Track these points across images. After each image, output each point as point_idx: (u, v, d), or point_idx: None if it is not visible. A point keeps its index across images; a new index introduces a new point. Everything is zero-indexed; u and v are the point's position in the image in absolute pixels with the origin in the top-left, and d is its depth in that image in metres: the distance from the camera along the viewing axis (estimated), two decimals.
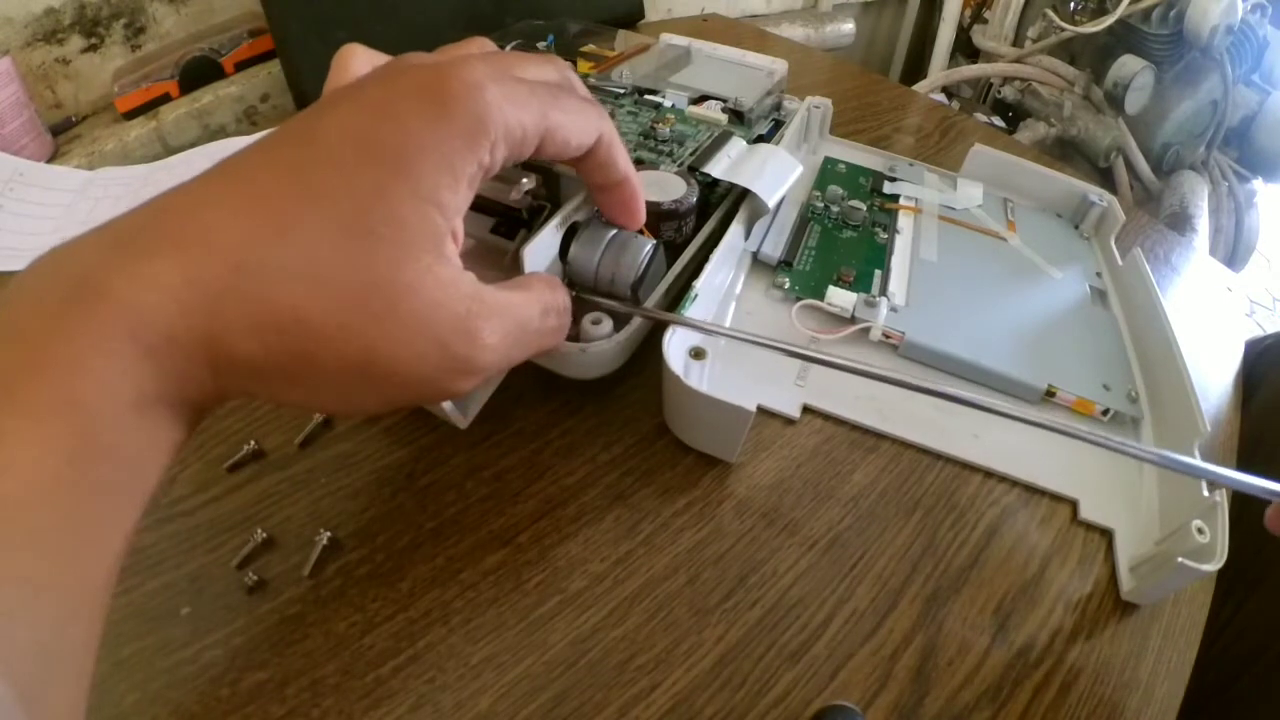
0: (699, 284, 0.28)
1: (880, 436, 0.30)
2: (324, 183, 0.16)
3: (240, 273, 0.15)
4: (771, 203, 0.33)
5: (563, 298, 0.21)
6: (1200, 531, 0.23)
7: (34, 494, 0.12)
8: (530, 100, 0.18)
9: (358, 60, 0.21)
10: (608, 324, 0.26)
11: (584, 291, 0.25)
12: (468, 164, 0.17)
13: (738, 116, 0.41)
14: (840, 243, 0.38)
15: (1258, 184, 1.13)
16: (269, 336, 0.15)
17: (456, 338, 0.17)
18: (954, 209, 0.42)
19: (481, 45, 0.22)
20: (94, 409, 0.13)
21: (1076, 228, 0.43)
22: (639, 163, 0.35)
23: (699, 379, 0.26)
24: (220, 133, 0.53)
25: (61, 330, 0.13)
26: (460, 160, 0.17)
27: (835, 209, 0.40)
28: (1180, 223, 0.98)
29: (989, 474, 0.29)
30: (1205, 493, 0.25)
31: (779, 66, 0.46)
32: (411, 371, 0.17)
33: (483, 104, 0.17)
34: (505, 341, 0.18)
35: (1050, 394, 0.31)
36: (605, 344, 0.26)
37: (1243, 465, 0.31)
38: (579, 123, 0.20)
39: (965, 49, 1.33)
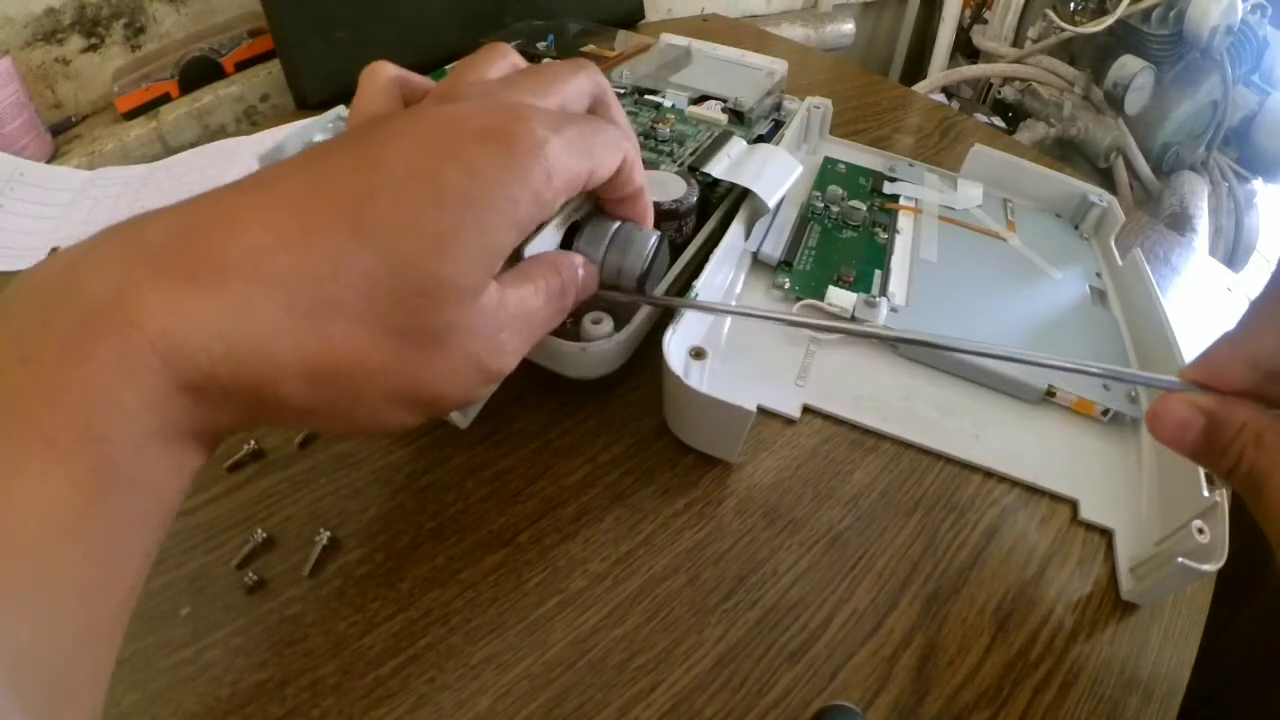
0: (699, 284, 0.28)
1: (880, 436, 0.30)
2: (386, 220, 0.15)
3: (293, 313, 0.14)
4: (771, 203, 0.33)
5: (565, 269, 0.21)
6: (1200, 531, 0.23)
7: (52, 531, 0.12)
8: (583, 146, 0.18)
9: (388, 78, 0.21)
10: (608, 324, 0.26)
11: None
12: (534, 218, 0.17)
13: (738, 116, 0.41)
14: (840, 243, 0.38)
15: (1258, 184, 1.13)
16: (320, 380, 0.15)
17: (490, 355, 0.17)
18: (954, 209, 0.42)
19: (505, 54, 0.21)
20: (117, 442, 0.12)
21: (1076, 228, 0.43)
22: None
23: (699, 379, 0.26)
24: (220, 133, 0.53)
25: (83, 354, 0.12)
26: (527, 214, 0.17)
27: (835, 209, 0.40)
28: (1180, 223, 0.98)
29: (989, 474, 0.29)
30: (1206, 492, 0.25)
31: (779, 66, 0.46)
32: (449, 393, 0.17)
33: (549, 159, 0.17)
34: (524, 343, 0.19)
35: (1050, 394, 0.31)
36: (605, 344, 0.26)
37: None
38: (613, 153, 0.20)
39: (965, 49, 1.33)
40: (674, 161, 0.36)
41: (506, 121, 0.17)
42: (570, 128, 0.18)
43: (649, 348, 0.28)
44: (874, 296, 0.33)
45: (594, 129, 0.19)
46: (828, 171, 0.44)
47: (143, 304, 0.13)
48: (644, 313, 0.28)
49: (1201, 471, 0.25)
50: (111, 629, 0.13)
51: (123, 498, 0.13)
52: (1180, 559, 0.23)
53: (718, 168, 0.34)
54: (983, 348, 0.22)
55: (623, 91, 0.42)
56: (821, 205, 0.40)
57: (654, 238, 0.24)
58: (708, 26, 0.73)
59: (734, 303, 0.34)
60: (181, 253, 0.14)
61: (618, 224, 0.25)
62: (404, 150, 0.16)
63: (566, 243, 0.25)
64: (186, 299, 0.13)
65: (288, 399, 0.14)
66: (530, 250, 0.23)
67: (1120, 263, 0.39)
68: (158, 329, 0.13)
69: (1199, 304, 0.44)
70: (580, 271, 0.22)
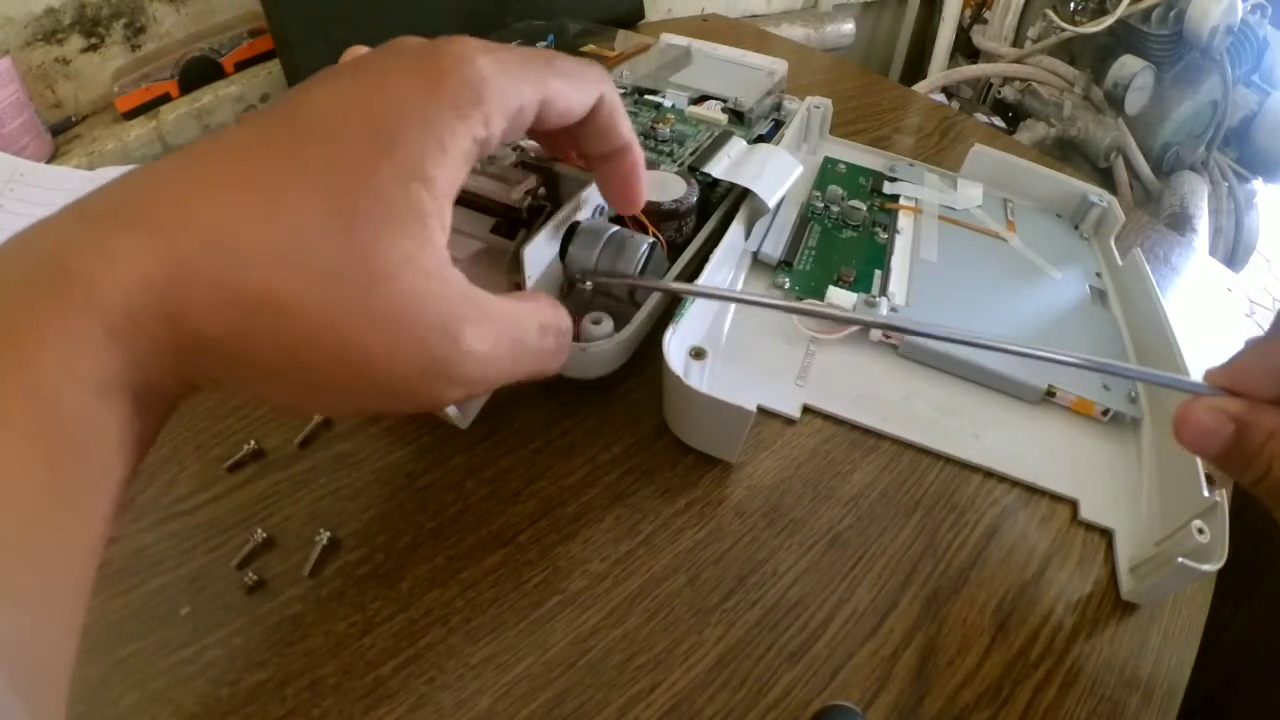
0: (699, 284, 0.28)
1: (880, 436, 0.30)
2: (311, 158, 0.15)
3: (212, 250, 0.14)
4: (771, 203, 0.33)
5: (564, 319, 0.20)
6: (1200, 531, 0.23)
7: (6, 499, 0.11)
8: (525, 69, 0.17)
9: None
10: (608, 324, 0.26)
11: (590, 276, 0.24)
12: (458, 135, 0.16)
13: (738, 116, 0.41)
14: (840, 243, 0.38)
15: (1258, 184, 1.13)
16: (236, 318, 0.14)
17: (438, 337, 0.15)
18: (954, 209, 0.42)
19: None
20: (56, 396, 0.12)
21: (1076, 228, 0.43)
22: None
23: (699, 379, 0.26)
24: None
25: (25, 309, 0.12)
26: (449, 131, 0.16)
27: (835, 209, 0.40)
28: (1180, 223, 0.98)
29: (989, 474, 0.29)
30: (1206, 492, 0.25)
31: (779, 66, 0.46)
32: (388, 370, 0.15)
33: (474, 73, 0.16)
34: (495, 352, 0.17)
35: (1050, 394, 0.31)
36: (605, 344, 0.26)
37: None
38: (579, 85, 0.19)
39: (965, 49, 1.33)
40: (674, 161, 0.36)
41: (435, 49, 0.16)
42: (512, 53, 0.17)
43: (649, 348, 0.28)
44: (874, 296, 0.33)
45: (548, 59, 0.18)
46: (828, 171, 0.44)
47: (76, 256, 0.13)
48: (643, 313, 0.28)
49: (1201, 472, 0.25)
50: (68, 611, 0.13)
51: (67, 461, 0.13)
52: (1180, 559, 0.23)
53: (718, 168, 0.34)
54: (1003, 343, 0.21)
55: (623, 91, 0.42)
56: (821, 205, 0.40)
57: (646, 244, 0.24)
58: (708, 26, 0.73)
59: (733, 303, 0.34)
60: (118, 209, 0.14)
61: (613, 229, 0.25)
62: (331, 89, 0.16)
63: (564, 245, 0.25)
64: (113, 245, 0.13)
65: (206, 339, 0.14)
66: (529, 250, 0.23)
67: (1120, 263, 0.39)
68: (88, 277, 0.13)
69: (1199, 304, 0.44)
70: (569, 326, 0.21)
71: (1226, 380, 0.17)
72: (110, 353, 0.13)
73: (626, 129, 0.21)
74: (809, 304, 0.33)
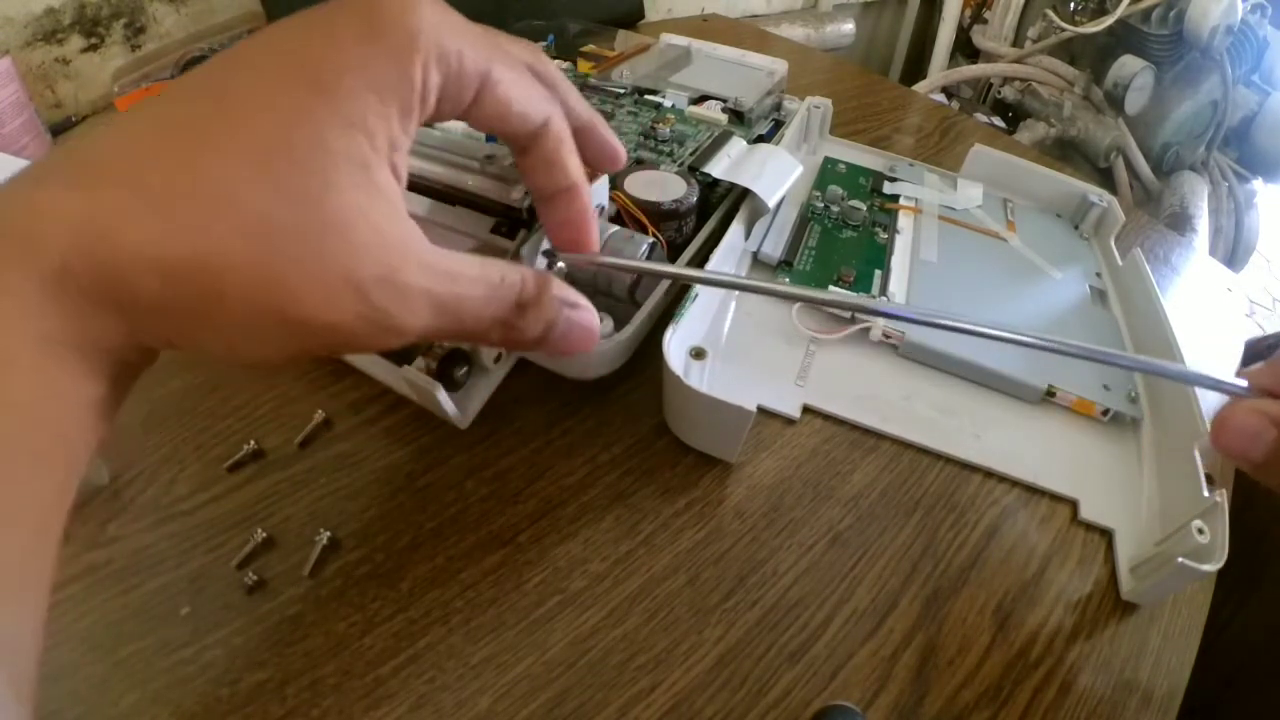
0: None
1: (880, 436, 0.30)
2: (245, 102, 0.14)
3: (141, 196, 0.13)
4: (771, 203, 0.33)
5: (528, 286, 0.18)
6: (1200, 532, 0.23)
7: None
8: (472, 35, 0.17)
9: None
10: (608, 324, 0.26)
11: (587, 263, 0.24)
12: (397, 85, 0.15)
13: (738, 116, 0.41)
14: (840, 243, 0.38)
15: (1258, 184, 1.13)
16: (168, 267, 0.13)
17: (378, 288, 0.15)
18: (954, 209, 0.42)
19: None
20: (5, 357, 0.12)
21: (1076, 228, 0.43)
22: (639, 163, 0.35)
23: (699, 379, 0.26)
24: None
25: None
26: (387, 80, 0.15)
27: (835, 209, 0.40)
28: (1180, 223, 0.98)
29: (989, 474, 0.29)
30: (1206, 492, 0.25)
31: (779, 66, 0.46)
32: (326, 319, 0.15)
33: (414, 20, 0.16)
34: (431, 305, 0.16)
35: (1050, 394, 0.31)
36: (605, 344, 0.26)
37: None
38: (526, 93, 0.18)
39: (965, 49, 1.33)
40: (674, 161, 0.36)
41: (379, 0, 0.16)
42: (458, 15, 0.17)
43: (649, 348, 0.28)
44: (874, 296, 0.33)
45: (505, 50, 0.18)
46: (828, 171, 0.44)
47: (12, 211, 0.13)
48: (644, 313, 0.28)
49: (1202, 472, 0.25)
50: (28, 598, 0.13)
51: (15, 426, 0.13)
52: (1180, 559, 0.23)
53: (718, 168, 0.34)
54: (1045, 339, 0.18)
55: (623, 91, 0.42)
56: (821, 205, 0.40)
57: (646, 244, 0.24)
58: (708, 26, 0.73)
59: (733, 301, 0.34)
60: (59, 165, 0.14)
61: (613, 229, 0.25)
62: (271, 35, 0.16)
63: None
64: (45, 197, 0.13)
65: (140, 290, 0.13)
66: (529, 250, 0.23)
67: (1120, 263, 0.39)
68: (20, 230, 0.13)
69: (1199, 304, 0.44)
70: (553, 302, 0.19)
71: (1270, 380, 0.16)
72: (48, 307, 0.13)
73: (575, 167, 0.19)
74: (809, 290, 0.33)
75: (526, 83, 0.18)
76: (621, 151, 0.22)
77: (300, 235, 0.14)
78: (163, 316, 0.14)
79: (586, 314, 0.20)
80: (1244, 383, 0.16)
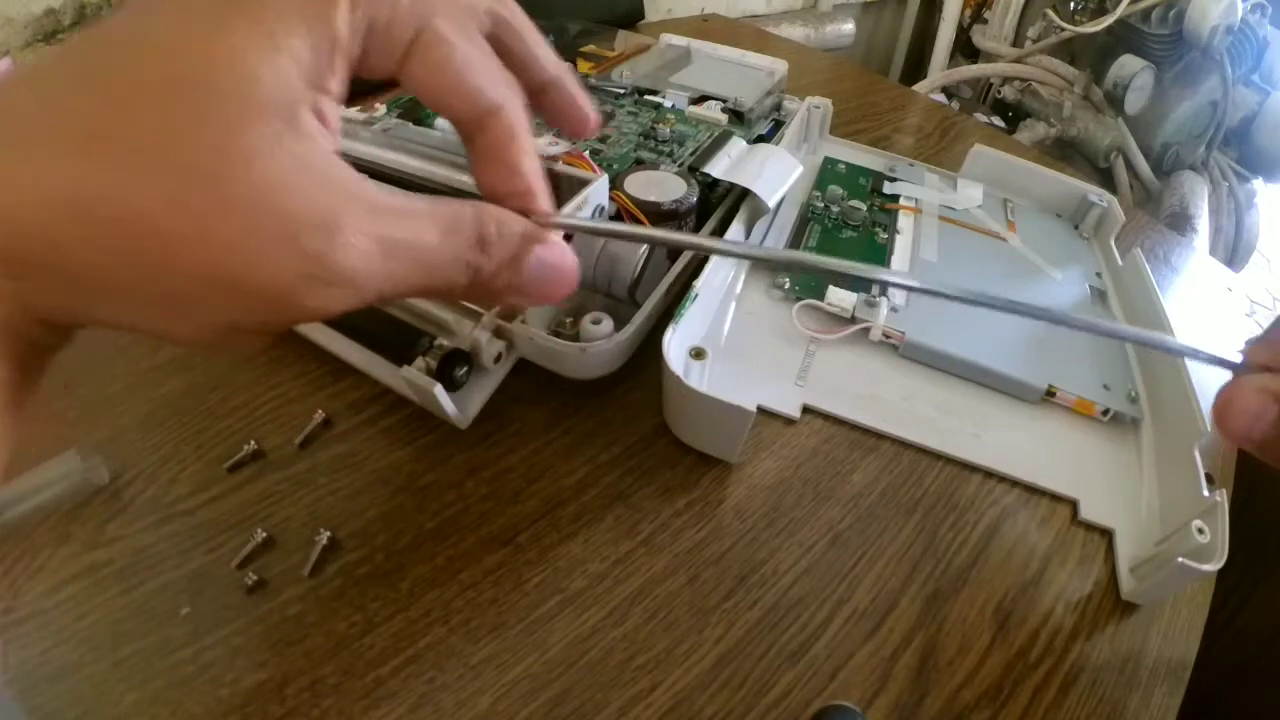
0: (699, 284, 0.28)
1: (880, 436, 0.30)
2: (158, 30, 0.13)
3: (32, 144, 0.12)
4: (771, 203, 0.33)
5: (486, 220, 0.16)
6: (1200, 531, 0.23)
7: None
8: None
9: None
10: (608, 324, 0.26)
11: (558, 225, 0.23)
12: (324, 9, 0.14)
13: (738, 116, 0.41)
14: (840, 243, 0.38)
15: (1258, 184, 1.13)
16: (68, 221, 0.12)
17: (311, 232, 0.13)
18: (954, 209, 0.42)
19: None
20: None
21: (1076, 228, 0.43)
22: (639, 163, 0.35)
23: (699, 379, 0.26)
24: None
25: None
26: (311, 8, 0.13)
27: (835, 209, 0.40)
28: (1180, 223, 0.98)
29: (989, 474, 0.29)
30: (1205, 492, 0.25)
31: (779, 67, 0.46)
32: (258, 274, 0.13)
33: None
34: (390, 247, 0.14)
35: (1050, 394, 0.31)
36: (605, 344, 0.26)
37: (1243, 466, 0.31)
38: (472, 64, 0.16)
39: (965, 49, 1.33)
40: (674, 161, 0.36)
41: None
42: None
43: (649, 348, 0.28)
44: (874, 296, 0.33)
45: (453, 6, 0.16)
46: (828, 171, 0.44)
47: None
48: (643, 313, 0.28)
49: (1202, 471, 0.25)
50: None
51: None
52: (1180, 559, 0.23)
53: (718, 168, 0.34)
54: (1035, 310, 0.18)
55: (623, 91, 0.42)
56: (821, 205, 0.40)
57: (643, 247, 0.24)
58: (708, 27, 0.73)
59: (734, 302, 0.34)
60: None
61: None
62: None
63: None
64: None
65: (34, 250, 0.12)
66: None
67: (1120, 263, 0.39)
68: None
69: (1199, 304, 0.44)
70: (517, 236, 0.16)
71: (1267, 356, 0.15)
72: None
73: (530, 171, 0.17)
74: (808, 305, 0.33)
75: (478, 55, 0.16)
76: (591, 116, 0.19)
77: (216, 170, 0.12)
78: (68, 283, 0.12)
79: (557, 249, 0.17)
80: (1239, 358, 0.16)
